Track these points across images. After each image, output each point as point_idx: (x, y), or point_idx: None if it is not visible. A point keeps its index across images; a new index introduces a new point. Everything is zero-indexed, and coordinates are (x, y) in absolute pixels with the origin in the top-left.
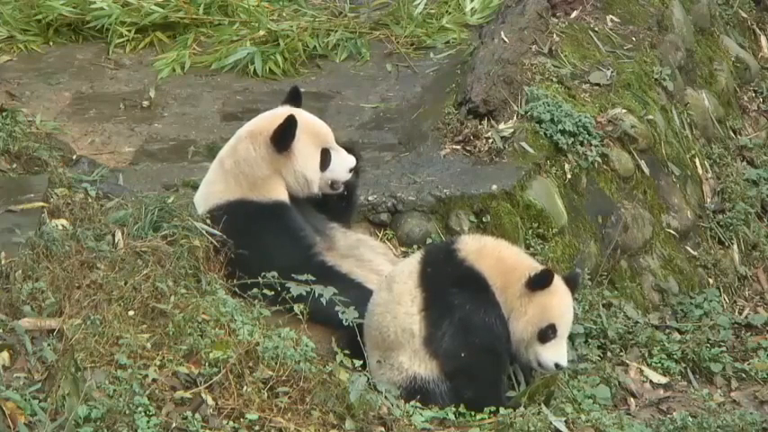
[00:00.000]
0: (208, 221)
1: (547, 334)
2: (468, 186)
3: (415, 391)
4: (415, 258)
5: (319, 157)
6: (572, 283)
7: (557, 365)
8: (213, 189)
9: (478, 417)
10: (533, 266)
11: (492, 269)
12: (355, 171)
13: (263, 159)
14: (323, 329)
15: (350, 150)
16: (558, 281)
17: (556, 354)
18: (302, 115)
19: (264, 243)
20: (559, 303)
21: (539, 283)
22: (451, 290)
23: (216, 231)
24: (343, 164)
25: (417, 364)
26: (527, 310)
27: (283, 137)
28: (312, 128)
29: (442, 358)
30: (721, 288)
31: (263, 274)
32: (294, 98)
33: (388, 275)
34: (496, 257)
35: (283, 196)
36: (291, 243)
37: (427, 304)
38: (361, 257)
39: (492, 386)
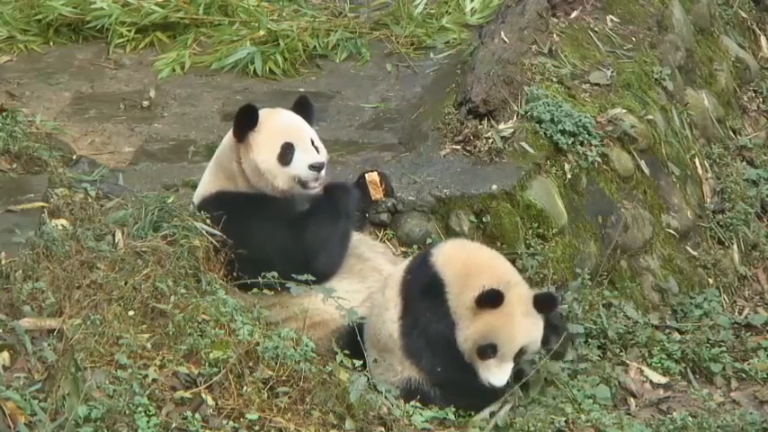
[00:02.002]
0: (207, 220)
1: (486, 352)
2: (468, 186)
3: (412, 392)
4: (404, 264)
5: (279, 150)
6: (542, 304)
7: (489, 384)
8: (203, 182)
9: (479, 417)
10: (499, 278)
11: (454, 274)
12: (357, 186)
13: (230, 150)
14: (323, 329)
15: (382, 176)
16: (516, 301)
17: (491, 373)
18: (275, 112)
19: (251, 232)
20: (506, 325)
21: (486, 302)
22: (417, 297)
23: (216, 231)
24: (304, 159)
25: (408, 370)
26: (470, 324)
27: (239, 126)
28: (278, 122)
29: (424, 370)
30: (721, 288)
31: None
32: (300, 106)
33: (387, 278)
34: (464, 262)
35: (251, 190)
36: (274, 226)
37: (403, 312)
38: (361, 255)
39: (478, 392)
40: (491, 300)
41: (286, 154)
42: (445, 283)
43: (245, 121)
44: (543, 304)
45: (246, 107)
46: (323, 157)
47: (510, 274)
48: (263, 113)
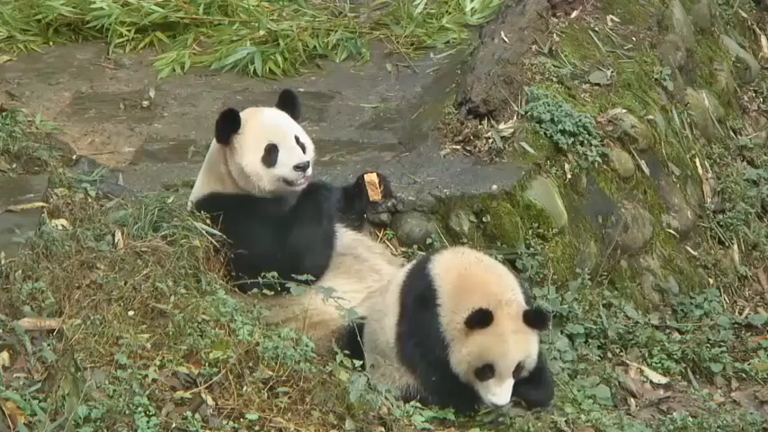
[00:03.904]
0: (207, 220)
1: (484, 373)
2: (468, 186)
3: (411, 398)
4: (406, 268)
5: (262, 151)
6: (533, 320)
7: (492, 404)
8: (196, 184)
9: (478, 417)
10: (490, 296)
11: (448, 287)
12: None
13: (217, 153)
14: (323, 329)
15: (381, 178)
16: (506, 319)
17: (492, 392)
18: (257, 112)
19: (238, 232)
20: (498, 344)
21: (475, 323)
22: (412, 305)
23: (216, 231)
24: (288, 160)
25: (405, 377)
26: (462, 347)
27: (220, 130)
28: (261, 123)
29: (419, 378)
30: (721, 288)
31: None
32: (285, 101)
33: (389, 281)
34: (459, 274)
35: (240, 191)
36: (261, 227)
37: (400, 319)
38: (358, 256)
39: (474, 402)
40: (480, 320)
41: (270, 155)
42: (438, 294)
43: (227, 126)
44: (534, 321)
45: (227, 112)
46: (308, 155)
47: (502, 291)
48: (246, 114)
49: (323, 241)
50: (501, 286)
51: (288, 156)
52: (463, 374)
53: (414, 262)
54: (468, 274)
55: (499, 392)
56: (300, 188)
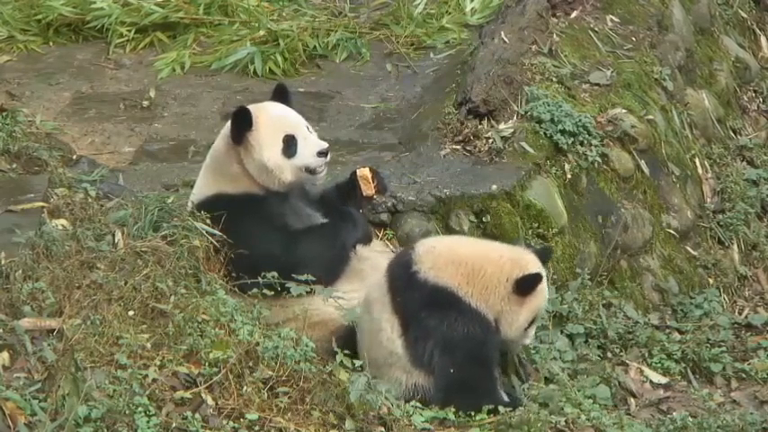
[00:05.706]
0: (207, 220)
1: (532, 323)
2: (468, 186)
3: (421, 397)
4: (384, 284)
5: (281, 144)
6: (544, 257)
7: (527, 344)
8: (198, 185)
9: (478, 417)
10: (499, 260)
11: (456, 277)
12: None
13: (227, 154)
14: (323, 329)
15: (375, 172)
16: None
17: (529, 337)
18: (264, 106)
19: (242, 234)
20: (545, 296)
21: (531, 287)
22: (422, 314)
23: (216, 231)
24: (309, 148)
25: (415, 377)
26: (519, 317)
27: (236, 129)
28: (272, 117)
29: (434, 375)
30: (721, 288)
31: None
32: (279, 95)
33: (366, 298)
34: (455, 263)
35: (255, 189)
36: (268, 230)
37: (405, 328)
38: (359, 255)
39: (487, 393)
40: (534, 283)
41: (289, 147)
42: (452, 289)
43: (240, 125)
44: (546, 257)
45: (241, 110)
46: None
47: (500, 250)
48: (253, 111)
49: (326, 264)
50: (495, 248)
51: (307, 144)
52: (516, 337)
53: (388, 275)
54: (460, 259)
55: (533, 334)
56: (320, 176)
